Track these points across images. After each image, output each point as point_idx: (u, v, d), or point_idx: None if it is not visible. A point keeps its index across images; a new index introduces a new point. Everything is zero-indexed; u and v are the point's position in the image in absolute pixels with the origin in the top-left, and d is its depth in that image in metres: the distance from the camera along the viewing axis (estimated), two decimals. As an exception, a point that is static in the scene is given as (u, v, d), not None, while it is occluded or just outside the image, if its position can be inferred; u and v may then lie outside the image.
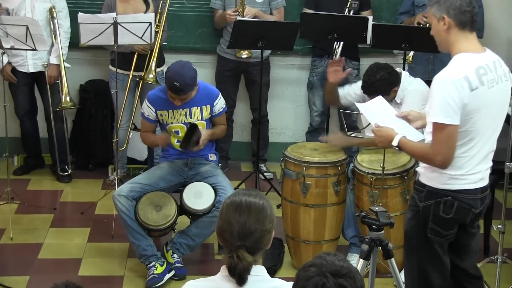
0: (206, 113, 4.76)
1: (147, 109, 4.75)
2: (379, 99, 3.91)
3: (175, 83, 4.47)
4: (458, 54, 3.27)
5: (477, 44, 3.32)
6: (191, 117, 4.72)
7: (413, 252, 3.48)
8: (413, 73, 4.98)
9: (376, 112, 3.74)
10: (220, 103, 4.81)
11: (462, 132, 3.25)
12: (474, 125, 3.25)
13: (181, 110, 4.70)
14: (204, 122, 4.75)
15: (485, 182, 3.40)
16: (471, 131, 3.26)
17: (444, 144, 3.21)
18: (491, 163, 3.41)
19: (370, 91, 4.54)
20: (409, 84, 4.68)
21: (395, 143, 3.42)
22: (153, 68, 5.58)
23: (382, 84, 4.53)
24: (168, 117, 4.73)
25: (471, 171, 3.31)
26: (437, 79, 3.22)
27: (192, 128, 4.58)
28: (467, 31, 3.26)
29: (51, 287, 2.12)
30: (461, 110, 3.18)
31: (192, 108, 4.71)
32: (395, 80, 4.62)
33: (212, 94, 4.79)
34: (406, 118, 3.71)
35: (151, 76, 5.58)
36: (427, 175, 3.37)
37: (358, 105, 4.02)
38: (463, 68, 3.20)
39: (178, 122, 4.74)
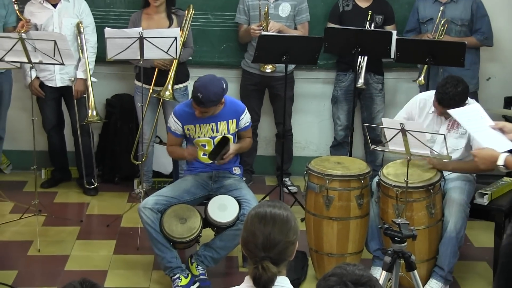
0: (233, 127, 4.80)
1: (174, 124, 4.80)
2: (476, 106, 3.85)
3: (198, 94, 4.52)
4: None
5: None
6: (217, 131, 4.76)
7: (505, 270, 3.42)
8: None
9: (471, 119, 3.68)
10: (246, 118, 4.85)
11: None
12: None
13: (207, 124, 4.75)
14: (231, 136, 4.79)
15: None
16: None
17: None
18: None
19: (448, 104, 4.49)
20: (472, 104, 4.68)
21: (500, 162, 3.38)
22: (169, 86, 5.63)
23: (462, 98, 4.51)
24: (195, 132, 4.78)
25: None
26: None
27: (224, 141, 4.64)
28: None
29: (65, 285, 2.12)
30: None
31: (218, 122, 4.75)
32: (468, 94, 4.63)
33: (238, 108, 4.83)
34: (501, 129, 3.69)
35: (167, 93, 5.63)
36: None
37: (452, 111, 3.90)
38: None
39: (205, 136, 4.78)
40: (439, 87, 4.59)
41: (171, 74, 5.65)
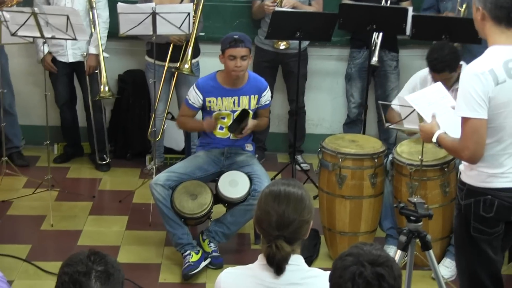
0: (254, 103, 4.79)
1: (194, 96, 4.76)
2: (438, 85, 3.80)
3: (234, 36, 4.62)
4: (491, 47, 3.22)
5: None
6: (239, 105, 4.76)
7: (461, 252, 3.43)
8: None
9: (431, 101, 3.63)
10: (267, 96, 4.85)
11: (494, 128, 3.18)
12: (506, 120, 3.18)
13: (229, 97, 4.74)
14: (251, 112, 4.78)
15: None
16: (504, 127, 3.19)
17: (470, 138, 3.15)
18: None
19: (441, 67, 4.52)
20: None
21: (434, 139, 3.37)
22: (189, 58, 5.59)
23: (452, 58, 4.53)
24: (216, 104, 4.76)
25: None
26: (464, 71, 3.19)
27: (245, 114, 4.64)
28: (503, 26, 3.19)
29: (72, 257, 2.12)
30: (487, 104, 3.11)
31: (241, 96, 4.75)
32: (459, 55, 4.65)
33: (261, 85, 4.84)
34: None
35: (186, 66, 5.59)
36: (466, 173, 3.31)
37: (408, 97, 3.85)
38: (489, 61, 3.15)
39: (226, 110, 4.77)
40: (427, 57, 4.64)
41: (190, 48, 5.60)
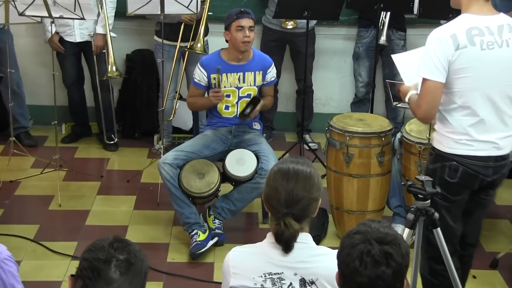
0: (259, 79, 4.78)
1: (199, 74, 4.76)
2: (421, 50, 3.81)
3: (239, 9, 4.66)
4: (461, 14, 3.32)
5: (487, 8, 3.31)
6: (244, 82, 4.75)
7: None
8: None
9: (416, 63, 3.66)
10: (272, 72, 4.84)
11: (456, 92, 3.27)
12: (467, 86, 3.25)
13: (234, 74, 4.73)
14: (256, 88, 4.78)
15: (501, 151, 3.36)
16: (465, 93, 3.26)
17: (424, 98, 3.29)
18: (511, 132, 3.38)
19: None
20: None
21: (406, 99, 3.49)
22: (201, 37, 5.57)
23: None
24: (221, 80, 4.76)
25: (478, 137, 3.31)
26: (429, 35, 3.28)
27: (255, 102, 4.66)
28: None
29: (95, 243, 2.03)
30: (445, 68, 3.22)
31: (246, 72, 4.75)
32: None
33: (266, 61, 4.83)
34: None
35: (199, 45, 5.56)
36: (436, 138, 3.42)
37: (394, 56, 3.96)
38: (453, 27, 3.25)
39: (230, 86, 4.76)
40: None
41: (202, 26, 5.57)
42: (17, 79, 6.05)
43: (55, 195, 5.24)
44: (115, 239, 2.03)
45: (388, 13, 5.75)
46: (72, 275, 2.00)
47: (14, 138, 5.67)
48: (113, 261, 1.96)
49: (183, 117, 6.21)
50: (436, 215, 3.15)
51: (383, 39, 5.78)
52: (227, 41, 4.72)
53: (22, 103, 6.20)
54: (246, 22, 4.63)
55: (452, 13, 5.26)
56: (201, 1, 5.41)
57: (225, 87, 4.75)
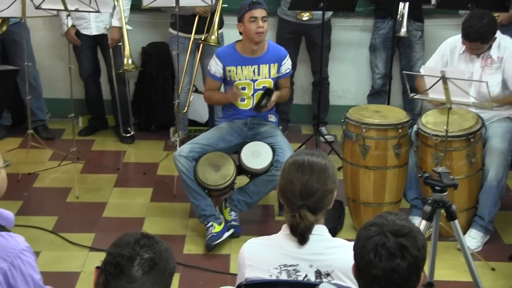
0: (274, 71, 4.77)
1: (215, 66, 4.76)
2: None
3: (252, 0, 4.62)
4: None
5: None
6: (259, 74, 4.74)
7: None
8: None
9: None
10: (287, 64, 4.82)
11: None
12: None
13: (249, 66, 4.73)
14: (271, 81, 4.77)
15: None
16: None
17: None
18: None
19: (474, 36, 4.47)
20: (504, 40, 4.61)
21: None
22: (215, 29, 5.56)
23: (487, 30, 4.48)
24: (236, 73, 4.74)
25: None
26: None
27: (269, 93, 4.63)
28: None
29: (121, 238, 2.00)
30: None
31: (260, 65, 4.73)
32: (497, 27, 4.58)
33: (281, 53, 4.81)
34: None
35: (213, 37, 5.55)
36: None
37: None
38: None
39: (246, 79, 4.75)
40: (464, 22, 4.56)
41: (216, 18, 5.55)
42: (34, 73, 6.08)
43: (73, 187, 5.26)
44: (143, 235, 2.00)
45: (407, 4, 5.70)
46: (97, 267, 1.98)
47: (32, 131, 5.69)
48: (137, 259, 1.92)
49: (198, 110, 6.21)
50: (454, 207, 3.12)
51: (403, 30, 5.70)
52: (241, 33, 4.71)
53: (39, 97, 6.23)
54: (259, 12, 4.61)
55: (471, 3, 5.25)
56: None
57: (240, 79, 4.74)
